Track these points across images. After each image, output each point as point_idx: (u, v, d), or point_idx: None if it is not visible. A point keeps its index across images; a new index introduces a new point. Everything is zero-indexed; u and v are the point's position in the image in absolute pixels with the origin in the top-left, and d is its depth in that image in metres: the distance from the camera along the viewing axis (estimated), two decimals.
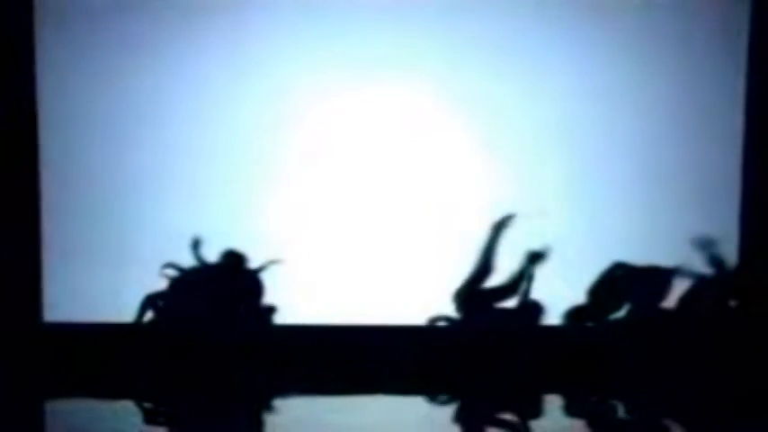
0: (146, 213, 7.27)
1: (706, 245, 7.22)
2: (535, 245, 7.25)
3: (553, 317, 7.34)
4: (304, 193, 7.31)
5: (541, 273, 7.26)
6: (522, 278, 7.29)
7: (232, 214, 7.24)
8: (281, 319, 7.34)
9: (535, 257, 7.24)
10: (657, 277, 7.29)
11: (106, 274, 7.21)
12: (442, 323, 7.34)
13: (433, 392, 6.94)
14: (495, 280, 7.36)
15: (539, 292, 7.29)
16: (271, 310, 7.32)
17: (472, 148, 7.28)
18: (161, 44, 7.21)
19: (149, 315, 7.30)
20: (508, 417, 6.65)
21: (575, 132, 7.25)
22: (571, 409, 6.78)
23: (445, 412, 6.76)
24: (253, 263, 7.28)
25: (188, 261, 7.28)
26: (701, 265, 7.26)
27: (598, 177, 7.26)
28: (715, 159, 7.26)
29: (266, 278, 7.30)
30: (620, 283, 7.32)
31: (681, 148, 7.25)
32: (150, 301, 7.29)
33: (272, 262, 7.22)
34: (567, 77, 7.22)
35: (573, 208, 7.25)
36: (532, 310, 7.30)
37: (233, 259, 7.28)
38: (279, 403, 6.80)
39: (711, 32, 7.18)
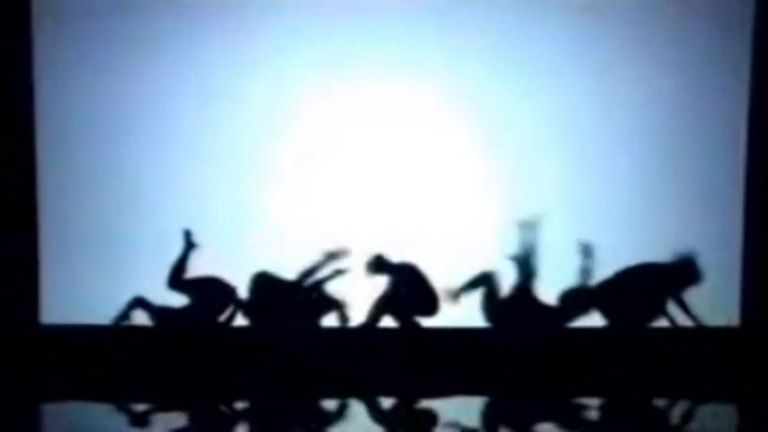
0: (145, 214, 7.25)
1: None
2: (535, 245, 7.27)
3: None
4: (304, 193, 7.29)
5: (542, 273, 7.27)
6: None
7: (232, 214, 7.22)
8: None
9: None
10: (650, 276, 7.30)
11: (103, 275, 7.19)
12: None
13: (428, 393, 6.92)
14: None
15: (539, 293, 7.30)
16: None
17: (472, 147, 7.28)
18: (161, 44, 7.21)
19: (136, 315, 7.26)
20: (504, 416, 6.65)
21: (575, 132, 7.26)
22: (567, 410, 6.76)
23: (441, 412, 6.73)
24: (253, 263, 7.27)
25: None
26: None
27: (598, 177, 7.26)
28: (717, 159, 7.27)
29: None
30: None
31: (683, 148, 7.26)
32: (137, 303, 7.25)
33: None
34: (567, 77, 7.23)
35: (573, 207, 7.25)
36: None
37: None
38: (278, 404, 6.76)
39: (713, 32, 7.20)
